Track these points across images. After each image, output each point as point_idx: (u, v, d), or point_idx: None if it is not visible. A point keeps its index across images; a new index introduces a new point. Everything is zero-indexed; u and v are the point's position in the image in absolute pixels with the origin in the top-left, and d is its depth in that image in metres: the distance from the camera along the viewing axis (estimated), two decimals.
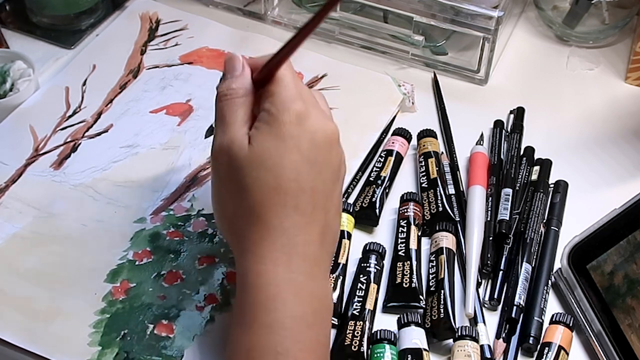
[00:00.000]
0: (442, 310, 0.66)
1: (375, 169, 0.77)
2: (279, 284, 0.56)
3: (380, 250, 0.70)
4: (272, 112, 0.57)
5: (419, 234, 0.72)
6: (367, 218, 0.74)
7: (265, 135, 0.57)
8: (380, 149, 0.80)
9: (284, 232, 0.56)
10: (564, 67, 0.91)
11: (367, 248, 0.70)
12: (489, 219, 0.73)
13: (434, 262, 0.70)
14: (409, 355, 0.63)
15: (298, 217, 0.57)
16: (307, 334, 0.55)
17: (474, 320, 0.67)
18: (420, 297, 0.68)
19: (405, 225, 0.72)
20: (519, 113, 0.83)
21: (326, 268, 0.60)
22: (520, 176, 0.77)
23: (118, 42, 0.89)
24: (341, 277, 0.69)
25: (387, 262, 0.71)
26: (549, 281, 0.70)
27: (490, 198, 0.75)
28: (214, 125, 0.64)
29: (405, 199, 0.74)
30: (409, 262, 0.70)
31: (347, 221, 0.72)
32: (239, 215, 0.58)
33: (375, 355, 0.64)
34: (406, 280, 0.69)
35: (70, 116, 0.81)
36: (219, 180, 0.60)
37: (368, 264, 0.69)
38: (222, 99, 0.60)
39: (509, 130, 0.82)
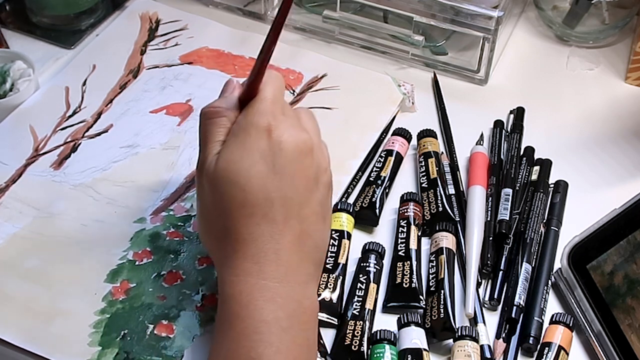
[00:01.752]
0: (442, 310, 0.66)
1: (375, 169, 0.77)
2: (251, 291, 0.56)
3: (380, 250, 0.70)
4: (241, 125, 0.59)
5: (419, 234, 0.72)
6: (367, 218, 0.74)
7: (231, 148, 0.58)
8: (380, 149, 0.80)
9: (254, 241, 0.57)
10: (564, 67, 0.91)
11: (367, 248, 0.70)
12: (489, 219, 0.73)
13: (434, 262, 0.70)
14: (409, 355, 0.63)
15: (267, 226, 0.57)
16: (281, 337, 0.56)
17: (474, 320, 0.67)
18: (420, 297, 0.68)
19: (405, 225, 0.72)
20: (519, 113, 0.83)
21: (306, 273, 0.60)
22: (520, 176, 0.77)
23: (118, 42, 0.89)
24: (341, 277, 0.69)
25: (387, 262, 0.71)
26: (549, 281, 0.70)
27: (490, 198, 0.75)
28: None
29: (405, 199, 0.74)
30: (409, 262, 0.70)
31: (347, 221, 0.72)
32: (215, 231, 0.59)
33: (375, 355, 0.64)
34: (406, 280, 0.69)
35: (70, 116, 0.81)
36: (198, 199, 0.62)
37: (367, 264, 0.69)
38: (203, 118, 0.62)
39: (509, 130, 0.82)
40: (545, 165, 0.78)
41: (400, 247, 0.71)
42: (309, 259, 0.60)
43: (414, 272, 0.69)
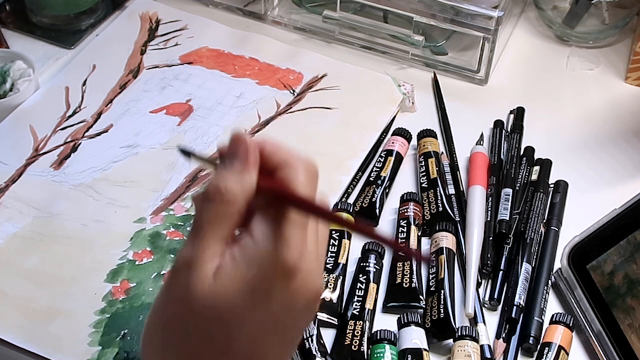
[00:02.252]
0: (442, 310, 0.66)
1: (375, 169, 0.77)
2: None
3: (380, 250, 0.70)
4: (261, 253, 0.43)
5: (419, 234, 0.72)
6: (367, 218, 0.74)
7: (238, 278, 0.43)
8: (380, 149, 0.80)
9: None
10: (564, 67, 0.91)
11: (366, 247, 0.70)
12: (489, 219, 0.73)
13: (434, 262, 0.70)
14: (409, 355, 0.63)
15: None
16: None
17: (474, 320, 0.67)
18: (420, 297, 0.68)
19: (405, 225, 0.72)
20: (519, 113, 0.83)
21: None
22: (520, 176, 0.77)
23: (118, 42, 0.89)
24: (341, 277, 0.69)
25: (387, 262, 0.71)
26: (549, 281, 0.70)
27: (490, 198, 0.75)
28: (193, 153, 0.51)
29: (405, 199, 0.74)
30: (409, 262, 0.70)
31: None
32: (167, 350, 0.46)
33: (375, 355, 0.64)
34: (406, 280, 0.69)
35: (70, 116, 0.81)
36: (159, 305, 0.46)
37: (367, 264, 0.69)
38: (208, 199, 0.44)
39: (509, 130, 0.82)
40: (545, 165, 0.78)
41: None
42: None
43: (414, 272, 0.69)
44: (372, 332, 0.66)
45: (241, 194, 0.44)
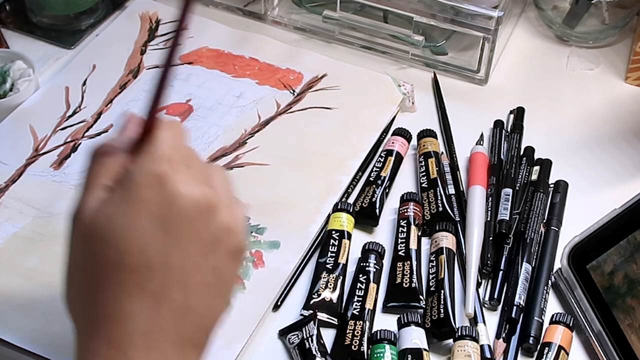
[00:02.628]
0: (442, 310, 0.66)
1: (375, 169, 0.77)
2: None
3: (379, 250, 0.70)
4: (130, 170, 0.47)
5: (419, 234, 0.72)
6: (367, 218, 0.74)
7: (115, 199, 0.47)
8: (380, 149, 0.80)
9: (122, 320, 0.46)
10: (564, 67, 0.91)
11: (366, 247, 0.70)
12: (489, 219, 0.73)
13: (434, 262, 0.70)
14: (409, 355, 0.63)
15: (141, 300, 0.46)
16: None
17: (474, 320, 0.67)
18: (420, 297, 0.68)
19: (405, 225, 0.72)
20: (519, 113, 0.83)
21: (191, 355, 0.49)
22: (520, 176, 0.77)
23: (118, 42, 0.89)
24: (341, 277, 0.69)
25: (387, 262, 0.71)
26: (549, 281, 0.70)
27: (490, 198, 0.75)
28: None
29: (405, 199, 0.74)
30: (409, 262, 0.70)
31: (347, 221, 0.72)
32: (80, 298, 0.48)
33: (375, 355, 0.64)
34: (406, 280, 0.69)
35: (70, 116, 0.81)
36: (67, 250, 0.49)
37: (367, 264, 0.69)
38: (89, 157, 0.50)
39: (509, 130, 0.82)
40: (545, 165, 0.78)
41: (400, 247, 0.71)
42: (191, 343, 0.48)
43: (414, 272, 0.69)
44: (372, 332, 0.66)
45: (116, 146, 0.49)
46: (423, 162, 0.77)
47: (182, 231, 0.47)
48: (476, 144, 0.80)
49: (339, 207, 0.73)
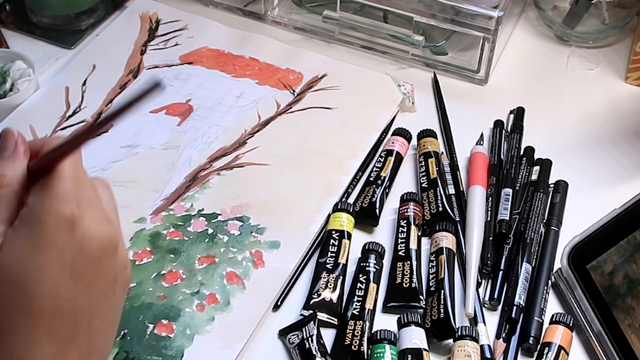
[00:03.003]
0: (442, 310, 0.66)
1: (375, 169, 0.77)
2: None
3: (379, 250, 0.70)
4: (36, 211, 0.45)
5: (419, 234, 0.72)
6: (367, 218, 0.74)
7: (21, 241, 0.45)
8: (380, 149, 0.80)
9: None
10: (564, 67, 0.91)
11: (366, 248, 0.70)
12: (489, 219, 0.73)
13: (434, 262, 0.70)
14: (409, 355, 0.63)
15: (52, 345, 0.46)
16: None
17: (474, 320, 0.67)
18: (420, 297, 0.68)
19: (405, 225, 0.72)
20: (519, 113, 0.83)
21: None
22: (520, 176, 0.77)
23: (118, 42, 0.89)
24: (341, 277, 0.69)
25: (387, 262, 0.71)
26: (549, 281, 0.70)
27: (490, 198, 0.75)
28: None
29: (405, 199, 0.74)
30: (409, 262, 0.70)
31: (347, 221, 0.72)
32: None
33: (375, 355, 0.64)
34: (406, 280, 0.69)
35: (70, 116, 0.81)
36: None
37: (367, 264, 0.69)
38: None
39: (509, 130, 0.82)
40: (545, 165, 0.78)
41: (400, 247, 0.71)
42: None
43: (414, 272, 0.69)
44: (372, 332, 0.66)
45: (14, 177, 0.47)
46: (423, 162, 0.77)
47: (89, 275, 0.47)
48: (476, 144, 0.80)
49: (339, 207, 0.73)
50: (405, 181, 0.78)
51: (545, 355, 0.64)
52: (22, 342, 0.45)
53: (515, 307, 0.67)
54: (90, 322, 0.48)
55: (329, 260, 0.69)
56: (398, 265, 0.70)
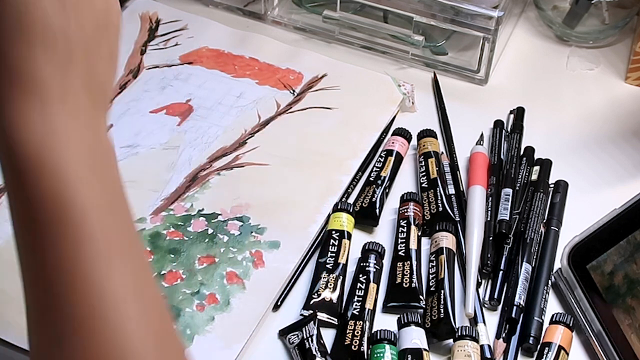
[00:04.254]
0: (442, 310, 0.66)
1: (375, 169, 0.77)
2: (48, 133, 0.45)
3: (379, 250, 0.70)
4: None
5: (419, 234, 0.72)
6: (367, 218, 0.74)
7: None
8: (380, 149, 0.80)
9: (35, 72, 0.46)
10: (564, 67, 0.91)
11: (366, 247, 0.70)
12: (489, 219, 0.73)
13: (434, 262, 0.70)
14: (409, 355, 0.63)
15: (50, 65, 0.47)
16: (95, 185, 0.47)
17: (474, 320, 0.67)
18: (420, 297, 0.68)
19: (405, 225, 0.72)
20: (519, 113, 0.83)
21: (97, 115, 0.50)
22: (520, 176, 0.77)
23: None
24: (341, 277, 0.69)
25: (387, 262, 0.71)
26: (549, 281, 0.70)
27: (490, 198, 0.75)
28: None
29: (405, 199, 0.74)
30: (409, 262, 0.70)
31: (347, 221, 0.72)
32: None
33: (375, 355, 0.64)
34: (406, 280, 0.69)
35: None
36: None
37: (367, 264, 0.69)
38: None
39: (509, 130, 0.82)
40: (545, 165, 0.78)
41: (400, 247, 0.71)
42: (97, 106, 0.50)
43: (414, 272, 0.69)
44: (372, 332, 0.66)
45: None
46: (423, 162, 0.77)
47: (80, 10, 0.48)
48: (476, 144, 0.80)
49: (339, 207, 0.73)
50: (405, 181, 0.78)
51: (545, 355, 0.64)
52: (23, 55, 0.46)
53: (515, 307, 0.67)
54: (87, 48, 0.48)
55: (329, 260, 0.69)
56: (398, 265, 0.70)
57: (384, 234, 0.74)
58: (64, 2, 0.47)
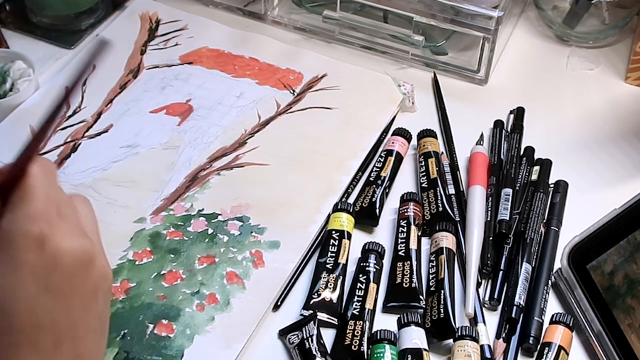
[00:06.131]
0: (442, 310, 0.66)
1: (375, 169, 0.77)
2: None
3: (379, 250, 0.70)
4: (7, 232, 0.47)
5: (419, 234, 0.72)
6: (367, 218, 0.74)
7: None
8: (380, 149, 0.80)
9: None
10: (564, 67, 0.91)
11: (366, 248, 0.70)
12: (489, 219, 0.73)
13: (434, 262, 0.70)
14: (409, 355, 0.63)
15: (35, 356, 0.47)
16: None
17: (474, 320, 0.67)
18: (420, 297, 0.68)
19: (405, 225, 0.72)
20: (519, 113, 0.83)
21: None
22: (520, 176, 0.77)
23: (118, 42, 0.89)
24: (341, 277, 0.69)
25: (387, 262, 0.71)
26: (549, 281, 0.70)
27: (490, 198, 0.75)
28: None
29: (405, 199, 0.74)
30: (409, 262, 0.70)
31: (347, 221, 0.72)
32: None
33: (375, 355, 0.64)
34: (406, 280, 0.69)
35: (70, 116, 0.81)
36: None
37: (367, 264, 0.69)
38: None
39: (509, 130, 0.82)
40: (545, 165, 0.78)
41: (400, 247, 0.71)
42: None
43: (414, 272, 0.69)
44: (372, 332, 0.66)
45: None
46: (423, 162, 0.77)
47: (67, 287, 0.48)
48: (476, 144, 0.80)
49: (339, 207, 0.73)
50: (405, 181, 0.78)
51: (545, 355, 0.64)
52: (8, 358, 0.47)
53: (515, 307, 0.67)
54: (74, 332, 0.49)
55: (329, 260, 0.69)
56: (398, 265, 0.70)
57: (384, 234, 0.74)
58: (53, 290, 0.47)
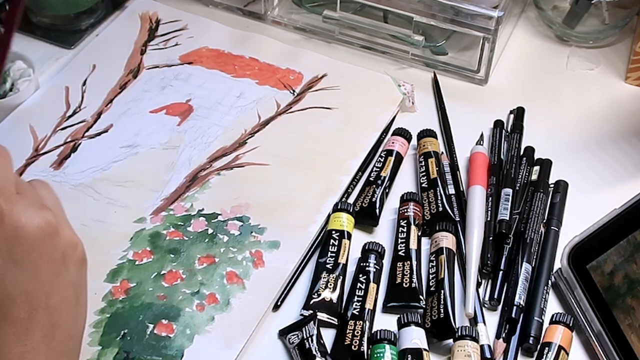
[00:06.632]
0: (442, 310, 0.66)
1: (375, 169, 0.77)
2: None
3: (379, 250, 0.70)
4: None
5: (419, 234, 0.72)
6: (367, 218, 0.74)
7: None
8: (380, 149, 0.80)
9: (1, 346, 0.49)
10: (564, 67, 0.91)
11: (366, 248, 0.70)
12: (489, 219, 0.73)
13: (434, 262, 0.70)
14: (409, 355, 0.63)
15: (10, 327, 0.49)
16: None
17: (474, 320, 0.67)
18: (420, 297, 0.68)
19: (405, 225, 0.72)
20: (519, 113, 0.83)
21: None
22: (520, 176, 0.77)
23: (118, 42, 0.89)
24: (341, 277, 0.69)
25: (387, 262, 0.71)
26: (549, 281, 0.70)
27: (490, 198, 0.75)
28: None
29: (405, 199, 0.74)
30: (409, 262, 0.70)
31: (347, 221, 0.72)
32: None
33: (375, 355, 0.64)
34: (406, 280, 0.69)
35: (70, 116, 0.81)
36: None
37: (367, 264, 0.69)
38: None
39: (509, 130, 0.82)
40: (545, 165, 0.78)
41: (400, 247, 0.71)
42: (62, 354, 0.52)
43: (414, 272, 0.69)
44: (372, 332, 0.66)
45: None
46: (423, 162, 0.77)
47: (33, 257, 0.50)
48: (476, 144, 0.80)
49: (339, 207, 0.73)
50: (405, 181, 0.78)
51: (545, 355, 0.64)
52: None
53: (515, 307, 0.67)
54: (47, 301, 0.51)
55: (329, 260, 0.69)
56: (398, 265, 0.70)
57: (384, 234, 0.74)
58: (18, 261, 0.49)
